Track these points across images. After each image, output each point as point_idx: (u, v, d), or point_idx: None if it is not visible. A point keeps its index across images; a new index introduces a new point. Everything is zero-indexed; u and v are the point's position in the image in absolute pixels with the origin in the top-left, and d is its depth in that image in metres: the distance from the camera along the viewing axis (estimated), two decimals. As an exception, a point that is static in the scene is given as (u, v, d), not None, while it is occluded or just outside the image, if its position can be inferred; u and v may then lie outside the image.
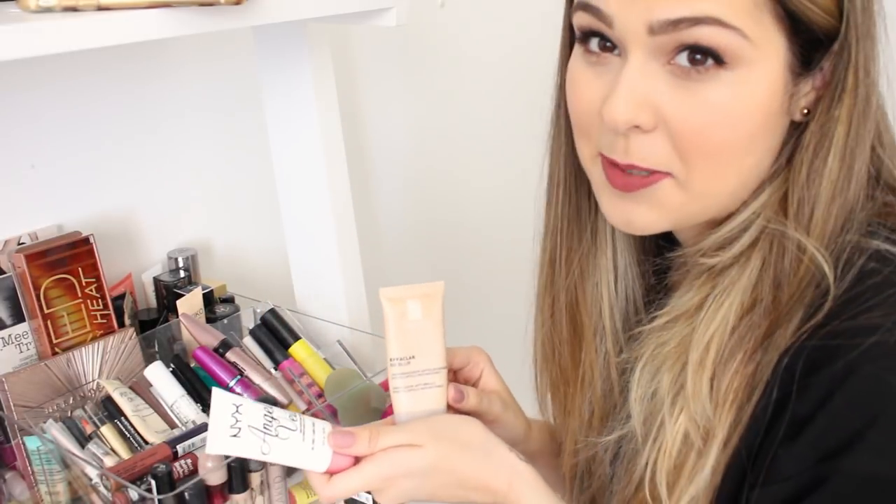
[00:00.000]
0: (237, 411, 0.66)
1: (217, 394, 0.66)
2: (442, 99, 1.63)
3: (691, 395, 0.63)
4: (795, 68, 0.61)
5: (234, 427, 0.65)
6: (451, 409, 0.74)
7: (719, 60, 0.58)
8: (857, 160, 0.62)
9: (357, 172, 1.41)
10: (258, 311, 1.18)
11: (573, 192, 0.75)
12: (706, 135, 0.60)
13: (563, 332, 0.79)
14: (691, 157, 0.61)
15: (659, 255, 0.75)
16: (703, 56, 0.58)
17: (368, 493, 0.99)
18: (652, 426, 0.66)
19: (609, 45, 0.62)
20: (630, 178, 0.64)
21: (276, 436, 0.66)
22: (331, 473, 0.67)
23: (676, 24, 0.58)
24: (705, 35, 0.57)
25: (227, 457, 0.90)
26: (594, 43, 0.63)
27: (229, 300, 1.22)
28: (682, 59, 0.59)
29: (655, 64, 0.60)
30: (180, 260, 1.20)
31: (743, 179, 0.64)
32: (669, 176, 0.63)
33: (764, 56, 0.59)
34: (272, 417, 0.67)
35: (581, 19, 0.63)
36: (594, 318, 0.77)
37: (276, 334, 1.14)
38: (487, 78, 1.62)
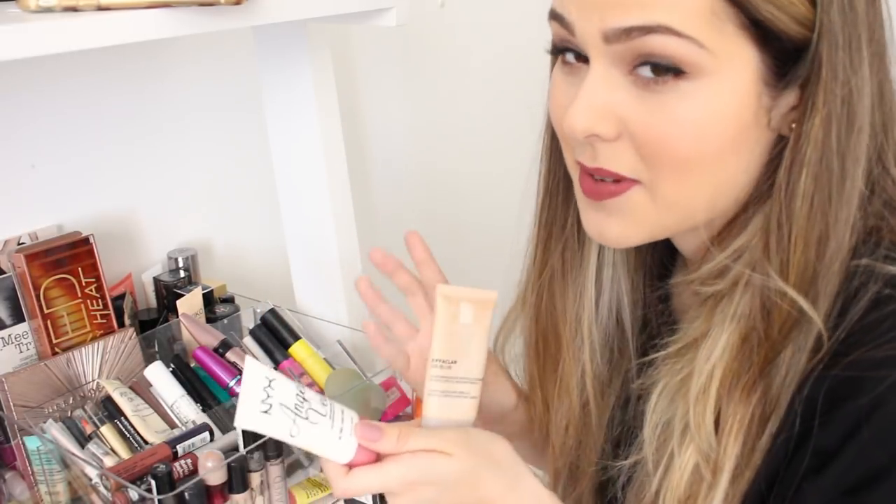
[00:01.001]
0: (269, 385, 0.61)
1: (250, 364, 0.61)
2: (442, 99, 1.63)
3: (695, 427, 0.61)
4: (771, 80, 0.58)
5: (265, 402, 0.60)
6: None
7: (678, 71, 0.56)
8: (839, 179, 0.58)
9: (357, 172, 1.41)
10: (258, 311, 1.18)
11: (559, 200, 0.74)
12: (671, 146, 0.58)
13: (537, 332, 0.79)
14: (657, 166, 0.60)
15: (662, 277, 0.74)
16: (665, 68, 0.57)
17: (377, 495, 0.99)
18: (663, 455, 0.65)
19: (584, 56, 0.61)
20: (598, 185, 0.63)
21: (307, 419, 0.61)
22: (350, 466, 0.63)
23: (629, 32, 0.56)
24: (658, 44, 0.56)
25: (227, 456, 0.90)
26: (570, 54, 0.63)
27: (229, 300, 1.22)
28: (646, 70, 0.58)
29: (617, 73, 0.59)
30: (180, 260, 1.20)
31: (718, 192, 0.62)
32: (638, 184, 0.61)
33: (728, 66, 0.56)
34: (304, 398, 0.62)
35: (553, 29, 0.63)
36: (572, 328, 0.76)
37: (276, 334, 1.14)
38: (488, 78, 1.63)
